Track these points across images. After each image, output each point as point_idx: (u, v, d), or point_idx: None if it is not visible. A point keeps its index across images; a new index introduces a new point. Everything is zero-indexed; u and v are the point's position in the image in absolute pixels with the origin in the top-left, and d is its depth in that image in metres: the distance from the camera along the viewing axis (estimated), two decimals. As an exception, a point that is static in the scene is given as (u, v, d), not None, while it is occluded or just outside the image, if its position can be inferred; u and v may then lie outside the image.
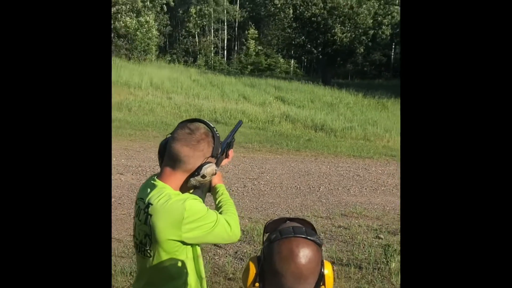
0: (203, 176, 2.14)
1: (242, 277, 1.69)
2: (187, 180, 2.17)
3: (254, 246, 6.11)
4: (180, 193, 2.16)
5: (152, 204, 2.10)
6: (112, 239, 6.20)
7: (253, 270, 1.64)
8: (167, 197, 2.11)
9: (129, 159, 11.00)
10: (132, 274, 5.03)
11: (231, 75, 32.74)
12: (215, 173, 2.20)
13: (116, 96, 21.29)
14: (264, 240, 1.67)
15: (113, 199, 7.90)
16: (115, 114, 17.50)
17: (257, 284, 1.63)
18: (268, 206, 8.09)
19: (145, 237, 2.11)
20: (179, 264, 2.12)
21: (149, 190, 2.18)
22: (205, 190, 2.38)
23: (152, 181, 2.21)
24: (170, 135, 2.24)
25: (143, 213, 2.12)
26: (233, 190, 8.78)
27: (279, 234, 1.59)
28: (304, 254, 1.54)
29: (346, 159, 13.17)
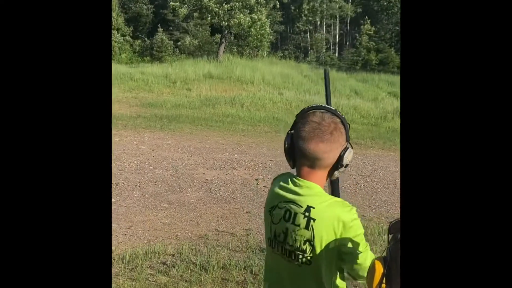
0: (347, 166, 2.01)
1: (367, 278, 1.64)
2: (329, 174, 2.05)
3: (369, 245, 5.99)
4: (335, 198, 2.07)
5: (313, 207, 1.98)
6: (226, 233, 6.33)
7: (379, 270, 1.60)
8: (329, 201, 2.01)
9: (242, 154, 11.17)
10: (246, 268, 5.09)
11: (342, 71, 32.45)
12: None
13: (229, 91, 21.75)
14: (390, 240, 1.62)
15: (226, 193, 8.05)
16: (228, 110, 17.88)
17: (383, 286, 1.58)
18: (382, 204, 7.91)
19: (305, 243, 2.00)
20: (335, 274, 2.05)
21: (301, 192, 2.03)
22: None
23: (297, 182, 2.06)
24: (291, 132, 2.09)
25: (303, 217, 1.99)
26: (345, 187, 8.67)
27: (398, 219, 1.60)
28: None
29: (464, 157, 12.63)
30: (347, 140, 2.03)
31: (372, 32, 45.30)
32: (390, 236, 1.65)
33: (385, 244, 6.04)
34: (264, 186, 8.42)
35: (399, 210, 5.31)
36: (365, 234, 5.98)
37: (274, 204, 2.12)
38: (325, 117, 2.03)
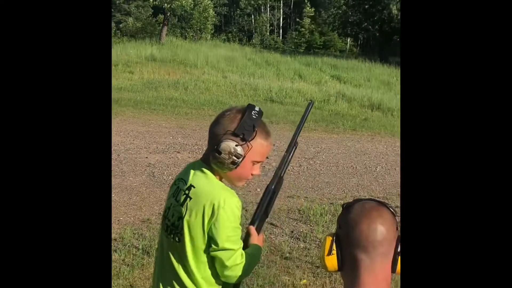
0: (218, 152, 1.94)
1: (320, 254, 1.68)
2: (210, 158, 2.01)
3: (310, 225, 6.09)
4: (225, 186, 2.04)
5: (194, 187, 2.00)
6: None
7: (329, 239, 1.67)
8: (212, 183, 2.02)
9: (186, 138, 11.11)
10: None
11: (286, 54, 32.59)
12: (237, 155, 1.95)
13: (172, 75, 21.54)
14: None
15: (169, 177, 8.01)
16: (171, 93, 17.71)
17: (333, 252, 1.63)
18: (324, 186, 8.03)
19: (178, 219, 2.02)
20: (201, 254, 2.04)
21: (192, 171, 2.06)
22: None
23: (195, 163, 2.11)
24: None
25: (183, 194, 2.02)
26: (288, 170, 8.74)
27: (354, 201, 1.69)
28: (379, 212, 1.62)
29: (404, 139, 12.93)
30: (238, 135, 1.96)
31: (312, 14, 45.59)
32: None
33: (327, 224, 6.15)
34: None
35: (341, 192, 5.41)
36: (308, 215, 6.06)
37: (174, 180, 2.17)
38: (237, 107, 2.07)
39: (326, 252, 1.65)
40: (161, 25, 32.41)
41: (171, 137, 11.03)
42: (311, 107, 2.36)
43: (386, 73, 25.74)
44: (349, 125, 14.17)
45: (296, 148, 2.32)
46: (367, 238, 1.57)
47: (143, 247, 5.16)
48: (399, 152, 10.87)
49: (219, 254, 1.98)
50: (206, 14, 34.71)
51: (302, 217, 6.39)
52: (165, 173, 8.26)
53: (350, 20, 36.13)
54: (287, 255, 5.17)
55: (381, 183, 8.41)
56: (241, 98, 18.07)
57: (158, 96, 17.03)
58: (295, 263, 4.97)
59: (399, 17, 32.13)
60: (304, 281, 4.59)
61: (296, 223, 6.16)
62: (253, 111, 2.00)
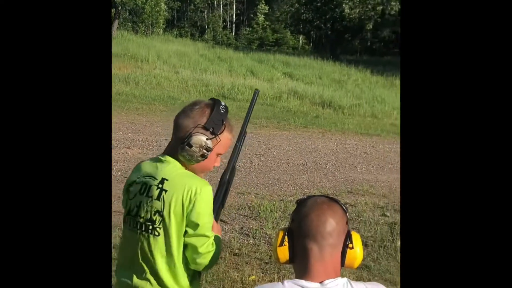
0: (189, 145, 2.01)
1: (273, 247, 1.75)
2: (178, 148, 2.07)
3: (260, 222, 6.11)
4: (195, 175, 2.10)
5: (167, 180, 2.04)
6: (118, 213, 6.20)
7: (281, 232, 1.74)
8: (184, 173, 2.07)
9: (136, 133, 10.99)
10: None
11: (239, 50, 32.57)
12: (207, 148, 2.03)
13: (123, 69, 21.24)
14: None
15: (119, 173, 7.91)
16: (122, 88, 17.46)
17: (285, 243, 1.70)
18: (275, 183, 8.07)
19: (155, 214, 2.03)
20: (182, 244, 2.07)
21: (160, 166, 2.10)
22: None
23: (161, 158, 2.13)
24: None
25: (156, 188, 2.04)
26: (239, 166, 8.76)
27: (306, 197, 1.81)
28: (330, 206, 1.72)
29: (354, 136, 13.13)
30: (208, 129, 2.05)
31: (266, 11, 45.75)
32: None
33: (276, 221, 6.18)
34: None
35: (292, 189, 5.43)
36: (258, 212, 6.08)
37: (133, 180, 2.18)
38: (205, 100, 2.14)
39: (278, 243, 1.70)
40: (112, 19, 31.91)
41: (121, 133, 10.88)
42: (257, 96, 2.41)
43: (338, 71, 26.03)
44: (300, 122, 14.28)
45: (245, 137, 2.37)
46: (317, 228, 1.64)
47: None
48: (348, 150, 11.04)
49: (194, 240, 2.02)
50: (157, 8, 34.34)
51: (252, 213, 6.41)
52: (115, 168, 8.14)
53: (302, 18, 36.36)
54: (237, 251, 5.18)
55: (331, 180, 8.50)
56: (193, 94, 17.98)
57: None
58: (244, 259, 4.98)
59: (351, 16, 32.55)
60: (253, 277, 4.61)
61: (246, 220, 6.18)
62: (221, 106, 2.09)
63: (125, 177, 7.71)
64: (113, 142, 9.95)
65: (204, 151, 2.03)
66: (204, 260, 2.06)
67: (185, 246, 2.06)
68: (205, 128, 2.04)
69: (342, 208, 1.73)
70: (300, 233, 1.68)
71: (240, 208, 6.56)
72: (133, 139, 10.35)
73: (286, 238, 1.70)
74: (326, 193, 7.51)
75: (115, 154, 9.05)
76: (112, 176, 7.74)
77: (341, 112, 17.17)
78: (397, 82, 24.46)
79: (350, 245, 1.66)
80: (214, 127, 2.05)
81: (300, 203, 1.79)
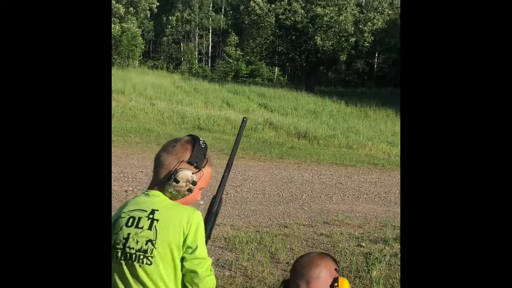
0: (176, 181, 2.08)
1: None
2: (164, 185, 2.14)
3: (236, 253, 6.10)
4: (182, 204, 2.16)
5: (158, 210, 2.08)
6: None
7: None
8: (173, 203, 2.13)
9: (111, 166, 10.92)
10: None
11: (214, 82, 32.75)
12: (193, 183, 2.11)
13: (99, 101, 21.17)
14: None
15: (94, 206, 7.85)
16: (97, 120, 17.40)
17: None
18: (251, 214, 8.08)
19: (147, 243, 2.06)
20: (178, 270, 2.09)
21: (148, 200, 2.15)
22: None
23: (147, 193, 2.18)
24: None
25: (147, 219, 2.08)
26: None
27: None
28: (320, 256, 2.00)
29: (329, 167, 13.22)
30: (192, 163, 2.13)
31: (236, 42, 46.12)
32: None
33: (252, 252, 6.16)
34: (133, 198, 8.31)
35: (268, 220, 5.42)
36: (234, 243, 6.05)
37: (117, 216, 2.18)
38: (185, 137, 2.22)
39: None
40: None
41: (96, 165, 10.81)
42: (245, 124, 2.44)
43: (312, 102, 26.30)
44: (276, 153, 14.36)
45: (230, 169, 2.41)
46: (308, 271, 1.92)
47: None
48: (324, 180, 11.11)
49: (194, 264, 2.05)
50: (134, 42, 34.51)
51: (228, 245, 6.39)
52: (89, 201, 8.09)
53: (277, 50, 36.77)
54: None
55: (307, 210, 8.53)
56: (168, 126, 18.00)
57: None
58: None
59: (324, 48, 32.98)
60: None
61: (222, 251, 6.16)
62: (201, 141, 2.18)
63: (100, 209, 7.66)
64: (88, 174, 9.89)
65: (191, 185, 2.10)
66: (205, 284, 2.08)
67: (184, 274, 2.08)
68: (189, 163, 2.11)
69: (332, 259, 2.00)
70: (294, 276, 1.95)
71: (216, 240, 6.55)
72: (108, 172, 10.29)
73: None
74: (301, 224, 7.55)
75: (90, 187, 8.98)
76: (87, 209, 7.68)
77: (316, 143, 17.32)
78: (371, 112, 24.78)
79: (336, 285, 1.89)
80: (197, 161, 2.13)
81: (296, 260, 2.02)
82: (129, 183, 9.48)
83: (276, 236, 6.87)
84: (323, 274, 1.90)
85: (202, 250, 2.07)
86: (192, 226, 2.05)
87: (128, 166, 10.98)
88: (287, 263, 5.95)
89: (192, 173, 2.10)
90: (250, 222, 7.59)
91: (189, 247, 2.05)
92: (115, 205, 7.90)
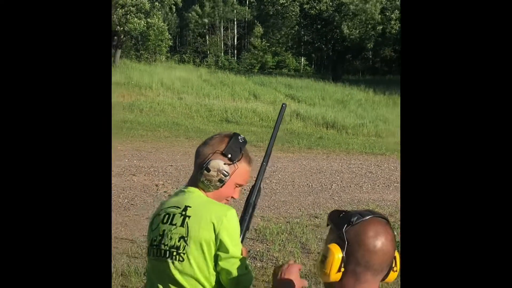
0: (207, 169, 2.07)
1: (321, 266, 1.64)
2: (198, 176, 2.12)
3: (267, 244, 6.13)
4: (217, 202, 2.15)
5: (190, 207, 2.08)
6: (126, 240, 6.25)
7: (338, 256, 1.61)
8: (207, 200, 2.12)
9: (142, 160, 11.04)
10: (146, 274, 5.06)
11: (241, 74, 32.74)
12: (224, 174, 2.08)
13: (127, 97, 21.38)
14: (334, 228, 1.68)
15: (125, 200, 7.94)
16: (126, 115, 17.58)
17: (342, 269, 1.62)
18: (280, 205, 8.09)
19: (180, 240, 2.06)
20: (211, 267, 2.08)
21: (183, 196, 2.15)
22: None
23: (183, 189, 2.19)
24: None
25: (180, 216, 2.08)
26: (244, 189, 8.77)
27: (360, 216, 1.65)
28: (388, 232, 1.63)
29: (358, 156, 13.15)
30: (226, 155, 2.10)
31: (261, 33, 45.94)
32: (332, 225, 1.70)
33: (283, 243, 6.18)
34: (164, 192, 8.38)
35: (297, 210, 5.40)
36: (264, 234, 6.07)
37: (156, 213, 2.21)
38: (222, 132, 2.22)
39: (334, 270, 1.62)
40: (115, 48, 32.20)
41: (126, 160, 10.94)
42: (284, 110, 2.44)
43: (340, 91, 26.12)
44: (304, 144, 14.33)
45: (269, 159, 2.40)
46: (374, 260, 1.59)
47: (99, 272, 5.10)
48: (353, 170, 11.06)
49: (227, 264, 2.04)
50: (161, 36, 34.66)
51: (258, 236, 6.43)
52: (121, 196, 8.19)
53: (303, 40, 36.63)
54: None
55: (337, 200, 8.51)
56: (196, 119, 18.08)
57: (113, 119, 16.73)
58: (252, 283, 4.98)
59: (351, 36, 32.73)
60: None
61: (253, 243, 6.19)
62: (239, 137, 2.17)
63: (132, 204, 7.76)
64: (118, 169, 10.01)
65: (222, 175, 2.08)
66: (241, 284, 2.08)
67: (219, 272, 2.07)
68: (223, 154, 2.10)
69: (392, 230, 1.68)
70: (355, 261, 1.61)
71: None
72: (138, 166, 10.40)
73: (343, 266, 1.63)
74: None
75: (121, 182, 9.10)
76: (119, 203, 7.78)
77: (345, 132, 17.23)
78: (399, 100, 24.52)
79: (395, 268, 1.66)
80: (232, 154, 2.11)
81: (356, 222, 1.64)
82: (160, 177, 9.56)
83: (306, 226, 6.88)
84: (386, 263, 1.62)
85: (235, 249, 2.06)
86: (223, 223, 2.03)
87: (158, 160, 11.08)
88: (318, 253, 5.95)
89: (224, 164, 2.08)
90: (280, 213, 7.60)
91: (222, 245, 2.03)
92: (147, 199, 7.99)
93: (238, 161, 2.13)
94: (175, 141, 13.88)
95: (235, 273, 2.04)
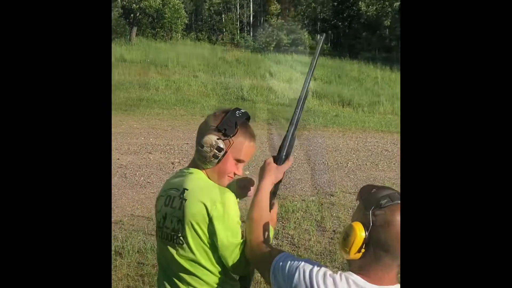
0: (201, 145, 2.02)
1: (343, 243, 1.65)
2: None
3: (282, 222, 6.14)
4: (216, 184, 2.10)
5: (187, 189, 2.06)
6: (142, 218, 6.31)
7: (360, 235, 1.60)
8: (204, 184, 2.08)
9: (158, 138, 11.09)
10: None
11: (257, 52, 32.60)
12: (218, 148, 2.02)
13: (143, 75, 21.41)
14: (362, 206, 1.67)
15: (142, 178, 8.00)
16: (142, 93, 17.62)
17: (363, 250, 1.61)
18: (296, 183, 8.10)
19: (178, 223, 2.06)
20: (208, 251, 2.07)
21: (182, 178, 2.13)
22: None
23: (184, 170, 2.18)
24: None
25: (178, 199, 2.07)
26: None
27: (390, 199, 1.63)
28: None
29: (374, 134, 13.10)
30: (220, 130, 2.05)
31: (278, 11, 45.67)
32: (361, 202, 1.70)
33: (298, 221, 6.19)
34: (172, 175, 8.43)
35: (313, 188, 5.42)
36: (280, 212, 6.09)
37: (160, 195, 2.21)
38: (222, 108, 2.17)
39: (355, 248, 1.61)
40: (131, 25, 32.17)
41: (142, 138, 11.00)
42: (322, 41, 2.37)
43: (356, 69, 25.98)
44: (320, 122, 14.29)
45: (307, 97, 2.35)
46: (397, 245, 1.56)
47: (115, 249, 5.16)
48: (369, 148, 11.03)
49: (222, 249, 2.03)
50: (177, 14, 34.61)
51: (274, 214, 6.44)
52: (137, 174, 8.24)
53: (319, 17, 36.38)
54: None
55: (353, 179, 8.50)
56: (212, 98, 18.08)
57: (129, 97, 16.94)
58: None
59: (368, 13, 32.43)
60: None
61: (269, 221, 6.20)
62: (237, 111, 2.11)
63: (148, 182, 7.81)
64: (135, 147, 10.08)
65: (215, 151, 2.02)
66: (235, 268, 2.08)
67: (219, 254, 2.06)
68: (218, 129, 2.05)
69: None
70: (378, 244, 1.60)
71: (262, 209, 6.59)
72: (154, 144, 10.45)
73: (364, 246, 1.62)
74: (347, 192, 7.53)
75: (137, 159, 9.15)
76: (135, 181, 7.84)
77: (361, 110, 17.16)
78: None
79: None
80: (226, 129, 2.05)
81: (385, 205, 1.62)
82: (175, 155, 9.60)
83: (322, 204, 6.89)
84: None
85: (227, 233, 2.02)
86: (218, 207, 1.99)
87: (174, 138, 11.11)
88: (334, 231, 5.96)
89: (217, 139, 2.02)
90: (295, 191, 7.62)
91: (214, 231, 2.00)
92: (163, 177, 8.01)
93: (234, 135, 2.06)
94: (191, 119, 13.89)
95: (227, 257, 2.04)
